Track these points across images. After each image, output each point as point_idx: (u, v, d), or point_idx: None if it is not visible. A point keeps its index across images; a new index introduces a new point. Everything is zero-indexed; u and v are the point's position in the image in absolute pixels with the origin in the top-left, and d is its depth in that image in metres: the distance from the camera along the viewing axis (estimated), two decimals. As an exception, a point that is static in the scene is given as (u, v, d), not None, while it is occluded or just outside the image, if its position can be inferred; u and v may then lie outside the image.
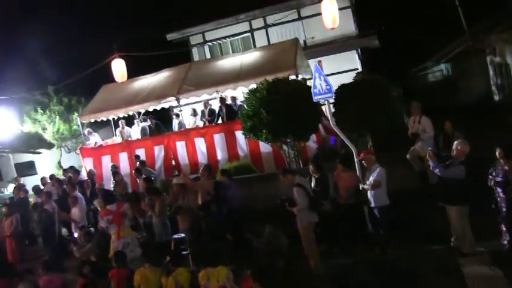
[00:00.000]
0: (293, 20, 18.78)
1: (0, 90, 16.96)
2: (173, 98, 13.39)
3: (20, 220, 11.83)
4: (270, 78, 10.62)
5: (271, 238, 8.28)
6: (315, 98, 8.49)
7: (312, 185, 8.24)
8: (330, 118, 8.77)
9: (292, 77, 11.56)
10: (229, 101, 14.03)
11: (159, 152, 13.10)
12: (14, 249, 11.36)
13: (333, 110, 9.04)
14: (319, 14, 14.41)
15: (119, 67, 10.57)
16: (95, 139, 14.77)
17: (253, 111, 9.91)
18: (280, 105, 9.52)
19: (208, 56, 20.08)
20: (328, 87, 8.20)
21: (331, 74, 14.62)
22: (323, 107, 10.71)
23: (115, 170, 12.31)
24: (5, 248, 11.28)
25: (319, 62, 8.69)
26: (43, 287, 7.76)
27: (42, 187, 13.19)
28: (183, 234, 9.03)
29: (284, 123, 9.53)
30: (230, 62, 13.97)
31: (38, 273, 8.10)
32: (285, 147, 10.45)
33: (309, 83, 11.84)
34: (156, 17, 24.50)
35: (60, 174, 15.09)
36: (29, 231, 12.60)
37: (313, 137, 11.07)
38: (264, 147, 11.67)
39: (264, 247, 8.21)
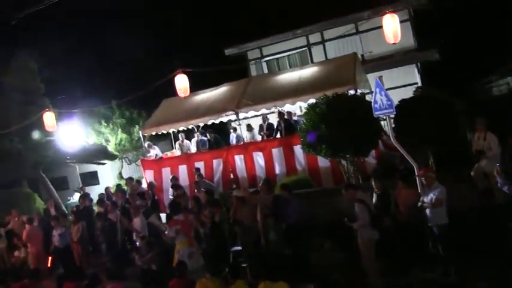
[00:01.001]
0: (350, 34, 18.69)
1: (69, 105, 17.76)
2: (232, 112, 13.60)
3: (85, 227, 12.42)
4: (329, 93, 10.62)
5: (331, 253, 8.26)
6: (376, 114, 8.44)
7: (374, 200, 8.17)
8: (390, 133, 8.69)
9: (352, 92, 11.53)
10: (286, 116, 14.12)
11: (217, 165, 13.31)
12: (81, 254, 11.90)
13: (393, 125, 8.91)
14: (377, 27, 14.31)
15: (182, 82, 10.89)
16: (155, 152, 15.18)
17: (313, 126, 9.95)
18: (339, 120, 9.51)
19: (265, 71, 20.31)
20: (389, 102, 8.14)
21: (389, 89, 14.34)
22: (382, 122, 10.63)
23: (175, 183, 12.60)
24: (73, 253, 11.78)
25: (380, 77, 8.59)
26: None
27: (106, 197, 13.80)
28: (240, 247, 9.17)
29: (343, 139, 9.49)
30: (288, 76, 14.08)
31: (101, 280, 8.37)
32: (343, 162, 10.41)
33: (367, 97, 11.81)
34: (214, 32, 25.02)
35: (123, 184, 15.58)
36: (93, 239, 13.16)
37: (373, 152, 10.95)
38: (323, 161, 11.61)
39: (323, 262, 8.18)
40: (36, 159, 19.38)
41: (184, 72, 10.95)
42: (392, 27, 9.29)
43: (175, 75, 10.92)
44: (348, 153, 9.99)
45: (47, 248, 12.37)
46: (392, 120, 8.76)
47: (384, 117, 8.75)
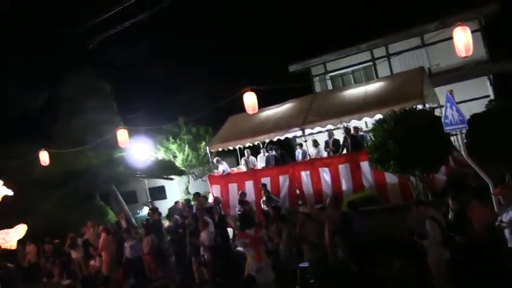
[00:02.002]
0: (416, 48, 18.38)
1: (138, 122, 18.54)
2: (297, 128, 13.68)
3: (154, 240, 12.86)
4: (396, 108, 10.48)
5: (400, 272, 8.09)
6: (447, 129, 8.25)
7: (450, 218, 7.94)
8: (461, 149, 8.45)
9: (420, 107, 11.32)
10: (352, 132, 14.03)
11: (284, 181, 13.38)
12: (151, 266, 12.30)
13: (464, 140, 8.64)
14: (444, 40, 13.92)
15: (250, 99, 11.12)
16: (222, 167, 15.50)
17: (381, 142, 9.84)
18: (408, 136, 9.36)
19: (329, 87, 20.28)
20: (461, 117, 7.93)
21: (459, 103, 13.86)
22: (452, 137, 10.35)
23: (243, 198, 12.79)
24: (143, 265, 12.19)
25: (451, 91, 8.37)
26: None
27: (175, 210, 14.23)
28: (307, 264, 9.16)
29: (412, 155, 9.32)
30: (354, 92, 14.01)
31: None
32: (412, 178, 10.20)
33: (436, 112, 11.55)
34: (278, 48, 25.27)
35: (190, 199, 15.97)
36: (163, 251, 13.57)
37: (442, 168, 10.66)
38: (390, 178, 11.41)
39: (392, 281, 8.03)
40: (109, 174, 20.29)
41: (253, 90, 11.17)
42: (463, 40, 9.04)
43: (243, 93, 11.15)
44: (417, 169, 9.77)
45: (119, 258, 12.91)
46: (464, 135, 8.52)
47: (455, 133, 8.53)
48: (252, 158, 15.62)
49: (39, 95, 22.33)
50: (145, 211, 20.37)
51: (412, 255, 7.93)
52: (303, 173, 13.13)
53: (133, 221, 19.25)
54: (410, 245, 7.61)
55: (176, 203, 15.30)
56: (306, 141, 14.47)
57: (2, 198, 12.77)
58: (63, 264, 15.16)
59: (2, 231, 13.64)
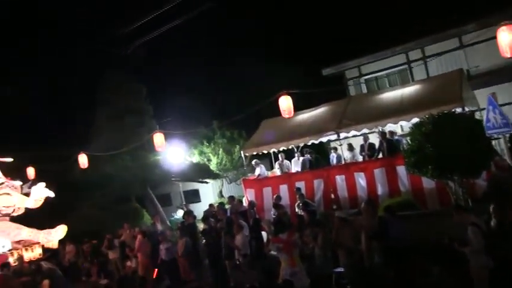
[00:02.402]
0: (454, 49, 17.97)
1: (173, 126, 18.75)
2: (332, 132, 13.59)
3: (189, 243, 12.97)
4: (434, 111, 10.28)
5: (439, 279, 7.92)
6: (489, 133, 8.06)
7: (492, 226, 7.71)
8: (505, 153, 8.23)
9: (459, 110, 11.07)
10: (388, 135, 13.85)
11: (318, 185, 13.32)
12: (185, 269, 12.41)
13: (508, 144, 8.43)
14: (484, 40, 13.57)
15: (286, 103, 11.12)
16: (259, 170, 15.51)
17: (418, 146, 9.67)
18: (447, 140, 9.16)
19: (364, 91, 20.08)
20: (505, 120, 7.75)
21: (500, 105, 13.61)
22: (493, 141, 10.07)
23: (278, 202, 12.77)
24: (178, 267, 12.29)
25: (493, 93, 8.19)
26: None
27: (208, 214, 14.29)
28: (343, 269, 9.06)
29: (451, 159, 9.11)
30: (390, 95, 13.84)
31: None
32: (451, 183, 9.97)
33: (476, 115, 11.28)
34: (311, 52, 25.21)
35: (224, 203, 16.05)
36: (197, 254, 13.69)
37: (483, 174, 10.39)
38: (427, 183, 11.19)
39: (431, 288, 7.87)
40: (145, 177, 20.62)
41: (288, 94, 11.16)
42: (508, 40, 8.79)
43: (279, 97, 11.15)
44: (456, 174, 9.55)
45: (155, 260, 13.06)
46: (507, 139, 8.30)
47: (497, 136, 8.32)
48: (286, 161, 15.60)
49: (78, 99, 22.95)
50: (180, 214, 20.59)
51: (451, 262, 7.75)
52: (338, 177, 13.04)
53: (168, 223, 19.45)
54: (449, 251, 7.43)
55: (210, 206, 15.39)
56: (340, 145, 14.36)
57: (45, 199, 13.18)
58: (100, 264, 15.41)
59: (44, 231, 14.09)
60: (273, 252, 8.99)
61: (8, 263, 12.36)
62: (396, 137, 13.80)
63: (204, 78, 25.03)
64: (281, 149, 15.33)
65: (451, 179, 9.83)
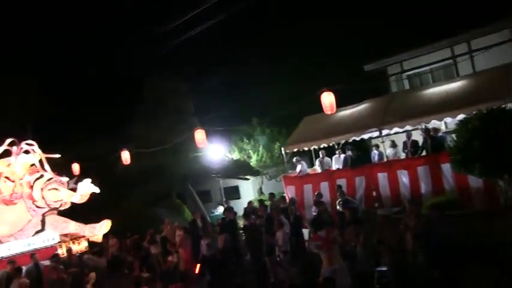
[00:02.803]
0: (502, 42, 17.32)
1: (213, 123, 18.87)
2: (374, 129, 13.39)
3: (229, 239, 13.05)
4: (481, 107, 9.96)
5: (485, 281, 7.69)
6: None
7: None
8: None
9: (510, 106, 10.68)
10: (432, 132, 13.50)
11: (360, 182, 13.15)
12: (226, 265, 12.48)
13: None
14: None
15: (328, 100, 11.05)
16: (300, 167, 15.45)
17: (464, 144, 9.39)
18: (496, 137, 8.85)
19: (406, 87, 19.65)
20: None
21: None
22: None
23: (318, 199, 12.70)
24: (219, 263, 12.36)
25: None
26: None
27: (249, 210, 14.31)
28: (385, 268, 8.91)
29: (501, 157, 8.81)
30: (434, 91, 13.52)
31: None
32: (501, 182, 9.63)
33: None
34: (353, 48, 24.86)
35: (263, 200, 16.06)
36: (237, 250, 13.76)
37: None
38: (474, 181, 10.84)
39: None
40: (186, 173, 20.88)
41: (330, 90, 11.08)
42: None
43: (321, 93, 11.09)
44: (506, 173, 9.22)
45: (196, 255, 13.20)
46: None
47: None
48: (327, 159, 15.47)
49: (120, 98, 23.45)
50: (220, 210, 20.75)
51: (503, 265, 7.52)
52: (380, 175, 12.84)
53: (209, 219, 19.61)
54: (501, 253, 7.19)
55: (250, 203, 15.42)
56: (383, 142, 14.13)
57: (90, 195, 13.54)
58: (142, 258, 15.70)
59: (89, 225, 14.50)
60: (312, 249, 8.90)
61: (57, 254, 12.79)
62: (440, 134, 13.42)
63: (245, 75, 25.04)
64: (322, 146, 15.22)
65: (500, 178, 9.51)
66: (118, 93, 23.77)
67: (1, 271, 12.27)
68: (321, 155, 15.48)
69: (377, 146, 14.98)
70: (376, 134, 13.95)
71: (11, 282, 11.94)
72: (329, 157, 15.90)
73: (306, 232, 12.48)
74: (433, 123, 13.13)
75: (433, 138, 13.02)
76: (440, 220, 8.75)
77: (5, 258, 12.94)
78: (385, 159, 14.23)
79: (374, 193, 12.98)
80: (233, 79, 25.39)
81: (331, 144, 15.35)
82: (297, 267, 10.13)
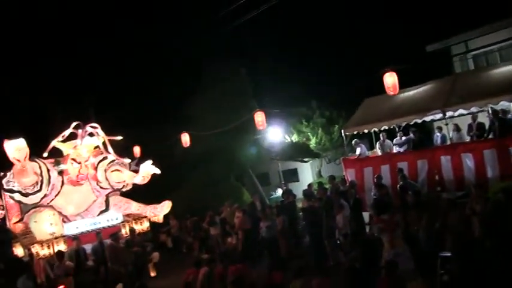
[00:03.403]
0: None
1: (272, 106, 18.83)
2: (437, 111, 12.96)
3: (288, 221, 13.12)
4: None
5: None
6: None
7: None
8: None
9: None
10: (501, 115, 12.92)
11: (422, 166, 12.78)
12: (285, 246, 12.58)
13: None
14: None
15: (391, 80, 10.82)
16: (360, 150, 15.25)
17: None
18: None
19: (471, 67, 18.86)
20: None
21: None
22: None
23: (380, 182, 12.51)
24: (278, 245, 12.47)
25: None
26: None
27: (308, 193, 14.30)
28: (450, 253, 8.69)
29: None
30: (503, 71, 12.82)
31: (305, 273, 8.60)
32: None
33: None
34: (413, 27, 24.07)
35: (325, 183, 15.96)
36: (296, 232, 13.83)
37: None
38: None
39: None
40: (244, 156, 21.10)
41: (394, 70, 10.82)
42: None
43: (384, 73, 10.85)
44: None
45: (255, 237, 13.36)
46: None
47: None
48: (387, 141, 15.13)
49: (179, 82, 23.87)
50: (278, 193, 20.87)
51: None
52: (443, 158, 12.42)
53: (267, 202, 19.76)
54: None
55: (310, 185, 15.40)
56: (446, 124, 13.66)
57: (151, 176, 13.91)
58: (202, 239, 16.10)
59: (151, 206, 14.93)
60: (374, 232, 8.79)
61: (116, 233, 13.28)
62: (510, 116, 12.85)
63: (304, 57, 24.85)
64: (382, 129, 14.91)
65: None
66: (178, 77, 24.16)
67: (70, 248, 12.93)
68: (381, 138, 15.16)
69: (440, 129, 14.52)
70: (439, 116, 13.51)
71: (78, 258, 12.64)
72: (390, 140, 15.57)
73: (365, 215, 12.36)
74: (502, 105, 12.55)
75: (502, 121, 12.46)
76: (509, 205, 8.38)
77: (73, 236, 13.53)
78: (448, 142, 13.78)
79: (436, 177, 12.56)
80: (292, 61, 25.23)
81: (392, 127, 15.05)
82: (357, 251, 10.04)
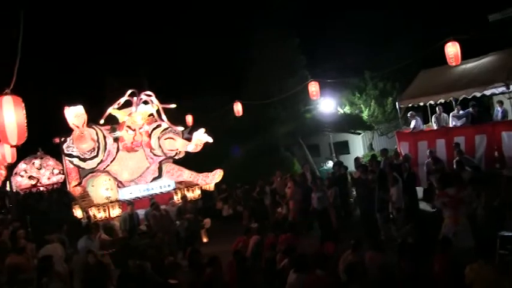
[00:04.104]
0: None
1: (323, 76, 18.51)
2: (500, 84, 12.40)
3: (339, 193, 13.04)
4: None
5: None
6: None
7: None
8: None
9: None
10: None
11: (480, 141, 12.34)
12: (335, 218, 12.53)
13: None
14: None
15: (453, 50, 10.42)
16: (414, 123, 14.85)
17: None
18: None
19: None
20: None
21: None
22: None
23: (434, 155, 12.19)
24: (330, 217, 12.43)
25: None
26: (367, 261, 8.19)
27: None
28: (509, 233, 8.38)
29: None
30: None
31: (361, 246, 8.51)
32: None
33: None
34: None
35: (378, 156, 15.70)
36: (346, 205, 13.73)
37: None
38: None
39: None
40: (296, 126, 20.98)
41: (456, 40, 10.40)
42: None
43: (445, 43, 10.45)
44: None
45: (305, 208, 13.35)
46: None
47: None
48: (444, 115, 14.64)
49: (231, 51, 23.86)
50: (329, 165, 20.71)
51: None
52: (504, 134, 11.93)
53: (318, 173, 19.66)
54: None
55: (360, 157, 15.20)
56: (510, 98, 13.06)
57: (203, 145, 14.03)
58: (252, 208, 16.24)
59: (202, 174, 15.14)
60: (437, 205, 8.55)
61: (155, 202, 13.52)
62: None
63: (357, 26, 24.11)
64: (439, 102, 14.44)
65: None
66: (230, 47, 24.14)
67: (124, 212, 13.34)
68: (437, 111, 14.69)
69: (501, 103, 13.89)
70: (501, 89, 12.94)
71: (132, 222, 13.04)
72: (447, 113, 15.07)
73: (418, 190, 12.12)
74: None
75: None
76: None
77: (127, 201, 13.94)
78: (510, 117, 13.20)
79: (496, 153, 12.11)
80: (345, 31, 24.57)
81: (448, 101, 14.56)
82: (411, 225, 9.87)
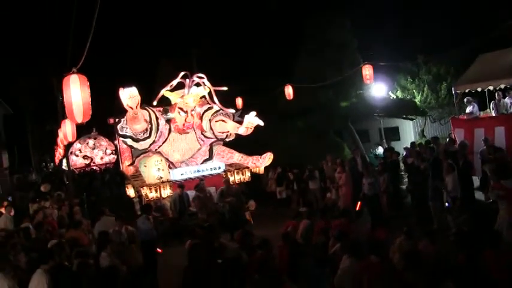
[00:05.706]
0: None
1: (376, 59, 18.11)
2: None
3: (390, 179, 12.80)
4: None
5: None
6: None
7: None
8: None
9: None
10: None
11: (545, 130, 11.82)
12: (384, 204, 12.36)
13: None
14: None
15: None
16: (470, 109, 14.37)
17: None
18: None
19: None
20: None
21: None
22: None
23: (491, 144, 11.76)
24: (380, 203, 12.23)
25: None
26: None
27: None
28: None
29: None
30: None
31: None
32: None
33: None
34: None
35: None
36: (398, 192, 13.48)
37: None
38: None
39: None
40: (346, 111, 20.66)
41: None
42: None
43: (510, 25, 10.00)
44: None
45: (355, 193, 13.22)
46: None
47: None
48: (504, 101, 14.06)
49: (283, 34, 23.67)
50: (379, 151, 20.37)
51: None
52: None
53: (368, 159, 19.39)
54: None
55: (412, 144, 14.84)
56: None
57: (254, 128, 14.01)
58: (300, 192, 16.22)
59: (252, 157, 15.19)
60: (491, 197, 8.28)
61: (200, 184, 13.73)
62: None
63: (412, 9, 23.38)
64: (498, 88, 13.88)
65: None
66: (282, 30, 23.94)
67: (174, 193, 13.58)
68: (497, 97, 14.12)
69: None
70: None
71: (182, 202, 13.27)
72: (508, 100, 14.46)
73: (474, 179, 11.74)
74: None
75: None
76: None
77: (178, 181, 14.17)
78: None
79: None
80: (399, 14, 23.91)
81: (508, 86, 13.97)
82: (466, 215, 9.60)
